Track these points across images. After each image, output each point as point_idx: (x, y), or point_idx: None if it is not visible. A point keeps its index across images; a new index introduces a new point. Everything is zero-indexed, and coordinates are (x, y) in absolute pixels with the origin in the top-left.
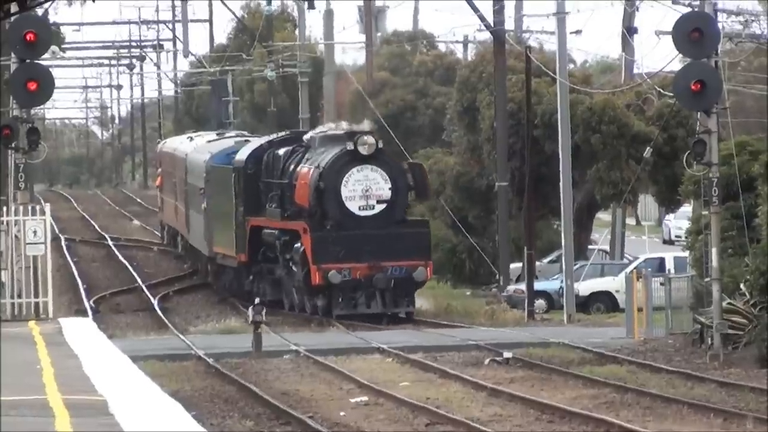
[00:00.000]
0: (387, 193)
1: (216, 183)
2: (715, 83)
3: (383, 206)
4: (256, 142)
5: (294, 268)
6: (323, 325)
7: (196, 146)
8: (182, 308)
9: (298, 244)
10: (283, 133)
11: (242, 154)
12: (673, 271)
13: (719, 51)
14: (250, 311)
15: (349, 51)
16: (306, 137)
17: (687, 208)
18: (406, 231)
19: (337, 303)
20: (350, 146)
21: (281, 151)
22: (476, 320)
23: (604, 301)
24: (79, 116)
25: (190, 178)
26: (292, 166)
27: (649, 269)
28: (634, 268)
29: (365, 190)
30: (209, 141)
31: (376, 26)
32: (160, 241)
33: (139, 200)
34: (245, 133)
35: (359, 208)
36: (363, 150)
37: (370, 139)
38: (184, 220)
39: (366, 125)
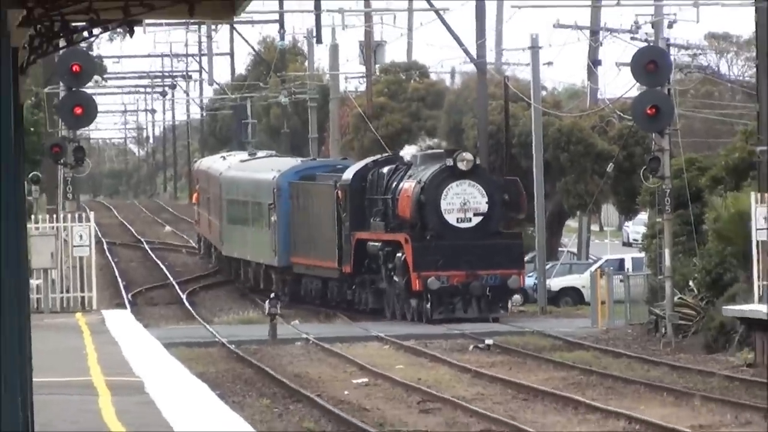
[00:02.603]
0: (484, 207)
1: (302, 198)
2: (668, 108)
3: (480, 219)
4: (360, 162)
5: (395, 277)
6: (330, 317)
7: (231, 164)
8: (207, 302)
9: (400, 254)
10: (386, 154)
11: (348, 174)
12: (631, 269)
13: (671, 80)
14: (266, 304)
15: (352, 80)
16: (408, 157)
17: (643, 216)
18: (500, 242)
19: (435, 308)
20: (449, 162)
21: (385, 170)
22: None
23: (572, 296)
24: (118, 136)
25: (229, 194)
26: (395, 183)
27: (611, 268)
28: (598, 267)
29: (463, 203)
30: (243, 160)
31: (375, 58)
32: (192, 246)
33: (170, 209)
34: (275, 152)
35: (457, 220)
36: (462, 166)
37: (469, 156)
38: (218, 233)
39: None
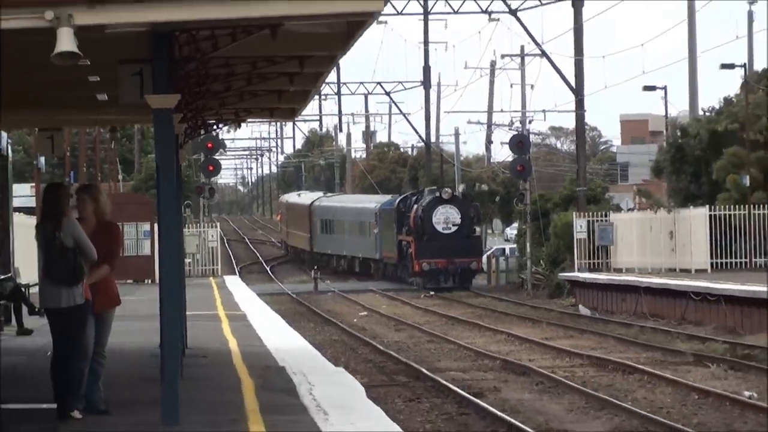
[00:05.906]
0: (458, 220)
1: (383, 218)
2: (529, 167)
3: (456, 228)
4: (405, 195)
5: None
6: (347, 279)
7: (316, 199)
8: (281, 271)
9: (410, 249)
10: (415, 190)
11: (396, 202)
12: (509, 254)
13: (531, 152)
14: (312, 272)
15: (358, 151)
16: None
17: (516, 224)
18: (468, 241)
19: (427, 282)
20: (437, 194)
21: (413, 198)
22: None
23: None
24: (232, 181)
25: (322, 216)
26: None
27: (498, 253)
28: (491, 252)
29: (446, 218)
30: (327, 196)
31: (371, 139)
32: (273, 242)
33: (260, 221)
34: (327, 192)
35: (442, 229)
36: (445, 196)
37: (449, 190)
38: (306, 239)
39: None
